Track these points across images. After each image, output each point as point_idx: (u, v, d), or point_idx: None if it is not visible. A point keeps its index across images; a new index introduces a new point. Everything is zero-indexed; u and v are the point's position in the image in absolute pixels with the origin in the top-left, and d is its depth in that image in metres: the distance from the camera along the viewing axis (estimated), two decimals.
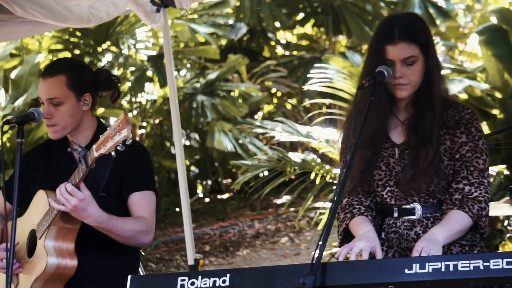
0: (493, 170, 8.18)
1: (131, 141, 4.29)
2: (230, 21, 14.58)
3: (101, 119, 5.13)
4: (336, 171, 8.40)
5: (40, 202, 4.86)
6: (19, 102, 11.74)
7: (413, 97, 4.44)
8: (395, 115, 4.47)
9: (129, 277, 4.14)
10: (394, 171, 4.43)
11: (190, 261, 6.93)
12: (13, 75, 12.11)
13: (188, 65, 14.72)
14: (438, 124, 4.41)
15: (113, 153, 4.34)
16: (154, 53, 13.82)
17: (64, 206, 4.57)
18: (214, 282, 3.99)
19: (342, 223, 4.47)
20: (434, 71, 4.41)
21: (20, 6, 4.98)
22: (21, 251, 4.96)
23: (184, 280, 4.03)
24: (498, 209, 5.56)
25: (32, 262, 4.83)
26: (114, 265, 4.74)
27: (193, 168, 15.28)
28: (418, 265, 3.76)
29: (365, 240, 4.21)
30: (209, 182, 15.91)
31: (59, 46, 13.54)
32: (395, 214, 4.46)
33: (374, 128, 4.42)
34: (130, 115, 13.77)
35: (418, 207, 4.43)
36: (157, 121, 14.48)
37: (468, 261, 3.69)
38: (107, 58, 13.40)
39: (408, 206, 4.44)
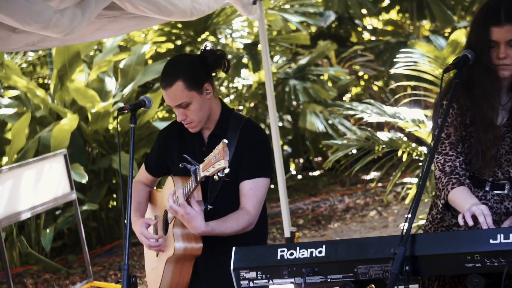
0: None
1: (228, 170, 4.34)
2: (320, 10, 14.55)
3: None
4: (422, 148, 8.38)
5: (169, 187, 4.98)
6: (127, 89, 11.92)
7: None
8: (496, 97, 4.37)
9: (234, 248, 4.21)
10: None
11: (287, 234, 7.00)
12: (121, 65, 12.30)
13: (281, 52, 14.75)
14: None
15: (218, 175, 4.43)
16: (249, 41, 13.88)
17: (175, 213, 4.73)
18: (311, 252, 4.04)
19: (447, 188, 4.37)
20: None
21: (130, 3, 5.06)
22: (159, 225, 5.13)
23: (283, 251, 4.08)
24: None
25: (166, 241, 4.98)
26: (240, 242, 4.78)
27: (286, 147, 15.33)
28: (502, 235, 3.75)
29: (485, 207, 4.15)
30: (301, 160, 15.94)
31: (163, 38, 13.69)
32: (487, 188, 4.44)
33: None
34: (227, 100, 13.87)
35: (508, 184, 4.41)
36: (252, 104, 14.54)
37: None
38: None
39: (500, 182, 4.42)
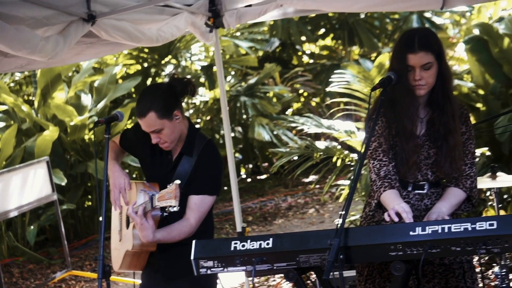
0: (478, 152, 8.18)
1: (177, 208, 4.42)
2: (266, 37, 14.60)
3: None
4: (353, 155, 8.45)
5: (135, 193, 4.98)
6: (101, 105, 11.88)
7: (430, 98, 4.44)
8: (414, 112, 4.43)
9: (194, 241, 4.21)
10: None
11: (239, 229, 6.97)
12: (96, 83, 12.26)
13: (233, 73, 14.77)
14: (458, 116, 4.44)
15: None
16: (206, 63, 13.88)
17: (132, 219, 4.75)
18: (260, 244, 4.05)
19: (380, 190, 4.40)
20: (447, 74, 4.42)
21: (105, 31, 5.06)
22: (123, 218, 5.11)
23: (236, 243, 4.10)
24: (482, 183, 5.59)
25: (126, 235, 5.00)
26: (190, 238, 4.76)
27: (237, 154, 15.32)
28: (420, 228, 3.80)
29: (406, 205, 4.22)
30: (251, 165, 15.94)
31: (132, 61, 13.65)
32: (409, 188, 4.49)
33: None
34: (187, 113, 13.85)
35: (427, 184, 4.47)
36: (208, 117, 14.53)
37: (459, 224, 3.75)
38: (168, 69, 13.50)
39: (420, 183, 4.48)
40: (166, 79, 5.05)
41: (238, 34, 13.86)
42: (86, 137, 11.76)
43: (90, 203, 12.17)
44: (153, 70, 13.46)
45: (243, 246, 4.09)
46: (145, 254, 4.98)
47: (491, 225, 3.68)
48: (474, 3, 9.67)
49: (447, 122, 4.39)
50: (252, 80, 14.31)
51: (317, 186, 13.28)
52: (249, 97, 13.86)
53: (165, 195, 4.49)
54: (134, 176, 12.48)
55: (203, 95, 14.26)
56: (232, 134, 14.35)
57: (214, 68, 13.23)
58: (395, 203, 4.24)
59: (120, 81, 13.23)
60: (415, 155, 4.41)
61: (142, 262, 5.03)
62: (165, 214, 4.61)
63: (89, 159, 11.66)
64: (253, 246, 4.07)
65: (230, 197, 7.12)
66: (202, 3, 6.25)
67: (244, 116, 14.04)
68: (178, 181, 4.43)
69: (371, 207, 4.55)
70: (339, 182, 9.15)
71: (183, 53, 13.57)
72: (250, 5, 6.36)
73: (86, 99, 11.96)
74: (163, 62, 13.47)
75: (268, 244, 4.04)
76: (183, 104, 13.89)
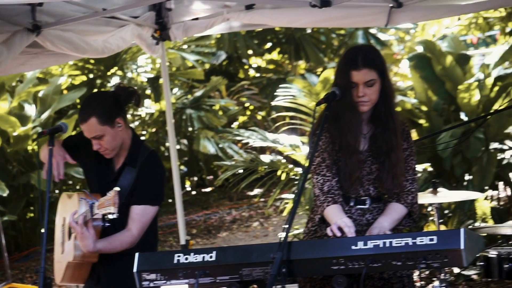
0: (420, 167, 8.28)
1: (116, 215, 4.41)
2: (213, 50, 14.62)
3: None
4: (298, 169, 8.49)
5: (75, 203, 4.95)
6: (45, 115, 11.76)
7: (373, 114, 4.50)
8: (357, 128, 4.47)
9: (136, 254, 4.19)
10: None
11: (182, 241, 6.96)
12: (40, 94, 12.13)
13: (179, 85, 14.75)
14: (400, 132, 4.49)
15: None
16: (152, 75, 13.84)
17: (73, 228, 4.73)
18: (203, 257, 4.04)
19: (323, 205, 4.43)
20: (390, 91, 4.47)
21: (50, 41, 5.04)
22: (66, 229, 5.06)
23: (179, 256, 4.08)
24: (423, 198, 5.68)
25: (68, 247, 4.95)
26: (133, 248, 4.76)
27: (182, 167, 15.29)
28: (362, 242, 3.83)
29: (348, 220, 4.26)
30: (196, 178, 15.93)
31: (77, 72, 13.55)
32: (352, 203, 4.53)
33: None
34: (132, 125, 13.78)
35: (368, 199, 4.52)
36: (154, 129, 14.48)
37: (400, 239, 3.78)
38: (114, 80, 13.43)
39: (362, 198, 4.52)
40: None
41: (185, 46, 13.85)
42: (29, 148, 11.62)
43: (32, 214, 12.01)
44: (98, 81, 13.38)
45: (186, 259, 4.07)
46: (87, 266, 4.94)
47: (431, 240, 3.72)
48: (418, 20, 9.80)
49: (389, 138, 4.44)
50: (198, 93, 14.30)
51: (262, 199, 13.32)
52: (195, 109, 13.85)
53: (104, 202, 4.48)
54: (77, 187, 12.36)
55: (149, 107, 14.21)
56: (178, 147, 14.29)
57: (160, 80, 13.19)
58: (337, 218, 4.28)
59: (65, 91, 13.10)
60: (357, 170, 4.46)
61: (84, 274, 4.98)
62: (106, 224, 4.59)
63: (32, 170, 11.52)
64: (196, 259, 4.06)
65: (174, 210, 7.11)
66: (149, 15, 6.25)
67: (190, 129, 14.02)
68: (117, 188, 4.42)
69: (314, 222, 4.58)
70: (284, 195, 9.18)
71: (129, 64, 13.52)
72: (197, 18, 6.39)
73: (30, 110, 11.82)
74: (109, 73, 13.39)
75: (211, 257, 4.04)
76: (129, 116, 13.90)
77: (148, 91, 13.79)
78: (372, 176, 4.49)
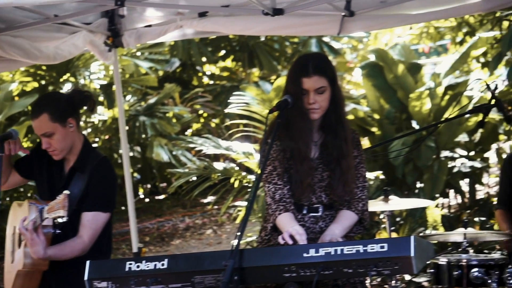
0: (372, 175, 8.36)
1: (66, 219, 4.38)
2: (166, 57, 14.57)
3: None
4: (251, 176, 8.51)
5: (25, 209, 4.90)
6: None
7: (324, 122, 4.53)
8: (308, 135, 4.50)
9: (88, 262, 4.16)
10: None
11: (135, 249, 6.92)
12: None
13: (132, 92, 14.67)
14: (350, 140, 4.53)
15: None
16: (105, 82, 13.74)
17: (23, 235, 4.68)
18: (155, 265, 4.02)
19: (275, 213, 4.45)
20: (340, 98, 4.51)
21: (1, 48, 4.99)
22: (16, 238, 5.01)
23: (131, 263, 4.06)
24: (375, 205, 5.72)
25: (18, 255, 4.90)
26: (85, 256, 4.73)
27: (135, 174, 15.20)
28: (314, 250, 3.85)
29: (300, 228, 4.28)
30: (149, 185, 15.84)
31: (29, 78, 13.39)
32: (304, 211, 4.54)
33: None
34: (85, 132, 13.67)
35: (321, 207, 4.54)
36: (107, 137, 14.38)
37: (351, 246, 3.81)
38: (67, 87, 13.30)
39: (314, 205, 4.54)
40: None
41: (138, 53, 13.78)
42: None
43: None
44: (50, 87, 13.23)
45: (138, 266, 4.05)
46: (37, 274, 4.88)
47: (382, 247, 3.75)
48: (370, 29, 9.90)
49: (339, 146, 4.48)
50: (151, 100, 14.23)
51: (215, 207, 13.30)
52: (148, 117, 13.77)
53: (54, 206, 4.44)
54: (29, 195, 12.22)
55: (102, 114, 14.10)
56: (131, 154, 14.20)
57: (114, 87, 13.11)
58: (289, 226, 4.29)
59: (16, 98, 12.95)
60: (309, 177, 4.48)
61: (35, 283, 4.92)
62: (57, 231, 4.55)
63: None
64: (148, 267, 4.04)
65: (127, 217, 7.07)
66: (101, 22, 6.22)
67: (143, 136, 13.94)
68: (67, 192, 4.40)
69: (267, 231, 4.59)
70: (237, 203, 9.19)
71: (82, 71, 13.39)
72: (150, 25, 6.37)
73: None
74: (61, 80, 13.25)
75: (163, 264, 4.02)
76: (81, 123, 13.80)
77: (101, 98, 13.69)
78: (324, 183, 4.51)
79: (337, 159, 4.48)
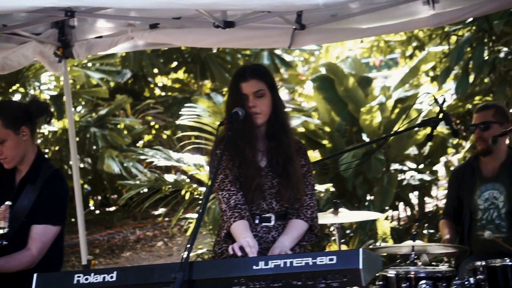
0: (322, 187, 8.40)
1: (7, 230, 4.37)
2: (118, 68, 14.50)
3: None
4: (202, 188, 8.49)
5: None
6: None
7: (268, 130, 4.60)
8: (254, 143, 4.58)
9: (35, 274, 4.11)
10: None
11: (84, 262, 6.86)
12: None
13: (83, 103, 14.57)
14: (294, 147, 4.61)
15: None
16: (55, 93, 13.62)
17: None
18: (104, 278, 3.99)
19: (230, 220, 4.46)
20: (281, 106, 4.62)
21: None
22: None
23: (79, 276, 4.02)
24: (325, 218, 5.74)
25: None
26: (34, 269, 4.67)
27: (86, 186, 15.05)
28: (263, 262, 3.85)
29: (251, 239, 4.30)
30: (99, 197, 15.72)
31: None
32: (257, 221, 4.57)
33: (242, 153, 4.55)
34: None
35: (273, 216, 4.58)
36: (57, 148, 14.25)
37: (301, 259, 3.81)
38: (16, 98, 13.16)
39: (266, 215, 4.58)
40: None
41: (89, 64, 13.69)
42: None
43: None
44: None
45: (87, 279, 4.02)
46: None
47: (331, 259, 3.76)
48: (321, 43, 9.98)
49: (284, 152, 4.58)
50: (102, 111, 14.13)
51: (166, 219, 13.24)
52: (99, 128, 13.67)
53: None
54: None
55: (52, 125, 13.97)
56: (81, 165, 14.09)
57: (64, 98, 13.01)
58: (242, 237, 4.31)
59: None
60: (256, 179, 4.53)
61: None
62: (4, 242, 4.49)
63: None
64: (96, 280, 4.01)
65: (77, 229, 7.02)
66: (51, 32, 6.18)
67: (94, 147, 13.84)
68: (8, 203, 4.36)
69: (220, 245, 4.61)
70: (188, 215, 9.17)
71: (32, 81, 13.26)
72: (101, 37, 6.34)
73: None
74: (10, 90, 13.11)
75: (112, 277, 4.00)
76: None
77: (51, 109, 13.57)
78: (274, 190, 4.58)
79: (283, 165, 4.57)
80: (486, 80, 9.34)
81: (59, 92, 13.44)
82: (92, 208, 15.39)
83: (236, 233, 4.41)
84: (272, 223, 4.57)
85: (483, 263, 5.20)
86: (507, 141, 6.15)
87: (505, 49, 8.68)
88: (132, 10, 5.65)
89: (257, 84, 4.54)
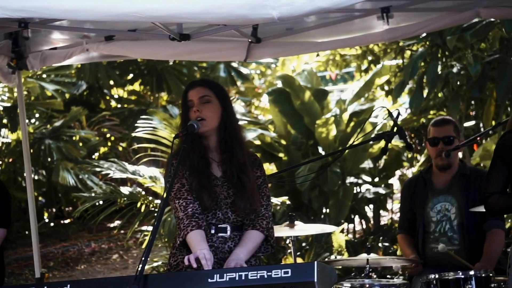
0: (278, 200, 8.41)
1: None
2: (73, 80, 14.39)
3: None
4: (158, 201, 8.45)
5: None
6: None
7: (220, 141, 4.62)
8: (206, 153, 4.62)
9: None
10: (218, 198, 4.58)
11: (37, 275, 6.80)
12: None
13: (37, 115, 14.43)
14: (248, 159, 4.65)
15: None
16: (8, 105, 13.49)
17: None
18: None
19: (187, 228, 4.45)
20: (233, 118, 4.67)
21: None
22: None
23: None
24: (280, 231, 5.76)
25: None
26: None
27: (40, 198, 14.90)
28: (218, 275, 3.86)
29: (207, 251, 4.29)
30: (54, 210, 15.57)
31: None
32: (212, 231, 4.57)
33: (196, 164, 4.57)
34: None
35: (229, 227, 4.58)
36: (11, 160, 14.10)
37: (256, 272, 3.83)
38: None
39: (222, 225, 4.58)
40: None
41: (44, 76, 13.58)
42: None
43: None
44: None
45: None
46: None
47: (286, 272, 3.78)
48: (277, 56, 10.01)
49: (238, 164, 4.60)
50: (57, 123, 14.02)
51: (122, 231, 13.16)
52: (54, 140, 13.55)
53: None
54: None
55: (6, 136, 13.83)
56: (36, 177, 13.96)
57: (18, 110, 12.88)
58: (198, 248, 4.31)
59: None
60: (208, 186, 4.54)
61: None
62: None
63: None
64: None
65: (30, 242, 6.94)
66: (5, 43, 6.13)
67: (49, 159, 13.72)
68: None
69: (176, 257, 4.59)
70: (143, 227, 9.12)
71: None
72: (55, 48, 6.29)
73: None
74: None
75: None
76: None
77: (4, 121, 13.43)
78: (229, 200, 4.59)
79: (238, 176, 4.59)
80: (440, 94, 9.46)
81: (12, 104, 13.31)
82: (47, 220, 15.24)
83: (192, 243, 4.39)
84: (228, 233, 4.57)
85: (436, 276, 5.26)
86: (460, 155, 6.23)
87: (458, 64, 8.80)
88: (87, 22, 5.63)
89: (203, 91, 4.61)
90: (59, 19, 5.28)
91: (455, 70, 8.69)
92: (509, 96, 8.61)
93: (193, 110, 4.57)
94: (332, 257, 8.52)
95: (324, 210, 9.95)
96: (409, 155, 10.79)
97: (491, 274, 5.23)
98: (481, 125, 10.04)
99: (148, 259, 3.93)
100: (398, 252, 8.74)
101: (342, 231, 9.29)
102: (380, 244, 9.20)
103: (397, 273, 7.90)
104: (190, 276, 3.94)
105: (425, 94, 9.03)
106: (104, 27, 5.88)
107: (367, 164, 10.61)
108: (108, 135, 15.36)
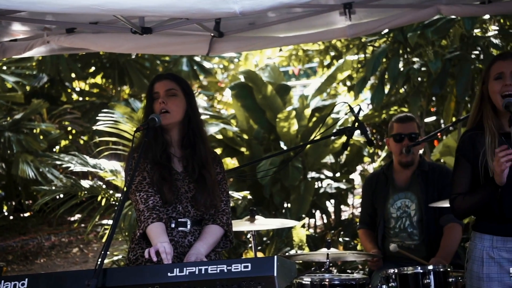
0: (240, 195, 8.41)
1: None
2: (34, 72, 14.27)
3: None
4: (118, 194, 8.41)
5: None
6: None
7: (182, 136, 4.64)
8: (166, 146, 4.63)
9: None
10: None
11: None
12: None
13: None
14: (210, 154, 4.68)
15: None
16: None
17: None
18: (15, 285, 3.92)
19: (147, 221, 4.43)
20: (196, 114, 4.70)
21: None
22: None
23: None
24: (241, 225, 5.77)
25: None
26: None
27: (0, 191, 14.80)
28: (178, 269, 3.83)
29: (168, 245, 4.29)
30: (13, 203, 15.44)
31: None
32: (173, 225, 4.57)
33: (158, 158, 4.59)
34: None
35: (189, 221, 4.59)
36: None
37: (215, 266, 3.81)
38: None
39: (182, 220, 4.58)
40: None
41: (4, 68, 13.44)
42: None
43: None
44: None
45: None
46: None
47: (245, 267, 3.77)
48: (239, 50, 10.01)
49: (200, 158, 4.63)
50: (18, 116, 13.89)
51: (82, 225, 13.09)
52: (14, 132, 13.42)
53: None
54: None
55: None
56: None
57: None
58: (158, 241, 4.30)
59: None
60: (169, 180, 4.55)
61: None
62: None
63: None
64: (7, 287, 3.93)
65: None
66: None
67: (9, 152, 13.58)
68: None
69: (135, 252, 4.59)
70: (104, 221, 9.08)
71: None
72: (15, 40, 6.22)
73: None
74: None
75: (23, 284, 3.93)
76: None
77: None
78: (190, 195, 4.60)
79: (199, 171, 4.61)
80: (401, 90, 9.52)
81: None
82: (6, 213, 15.10)
83: (153, 235, 4.39)
84: (188, 227, 4.59)
85: (396, 270, 5.31)
86: (421, 151, 6.29)
87: (419, 60, 8.87)
88: (48, 14, 5.57)
89: (170, 84, 4.64)
90: (19, 10, 5.22)
91: (416, 66, 8.75)
92: (469, 92, 8.69)
93: (158, 102, 4.58)
94: (293, 251, 8.54)
95: (285, 205, 9.97)
96: (370, 151, 10.85)
97: (449, 269, 5.29)
98: (441, 121, 10.14)
99: (108, 252, 3.91)
100: (359, 247, 8.79)
101: (303, 226, 9.32)
102: (340, 239, 9.25)
103: (357, 268, 7.96)
104: (150, 270, 3.91)
105: (386, 90, 9.09)
106: (65, 19, 5.82)
107: (329, 159, 10.66)
108: (69, 128, 15.25)
